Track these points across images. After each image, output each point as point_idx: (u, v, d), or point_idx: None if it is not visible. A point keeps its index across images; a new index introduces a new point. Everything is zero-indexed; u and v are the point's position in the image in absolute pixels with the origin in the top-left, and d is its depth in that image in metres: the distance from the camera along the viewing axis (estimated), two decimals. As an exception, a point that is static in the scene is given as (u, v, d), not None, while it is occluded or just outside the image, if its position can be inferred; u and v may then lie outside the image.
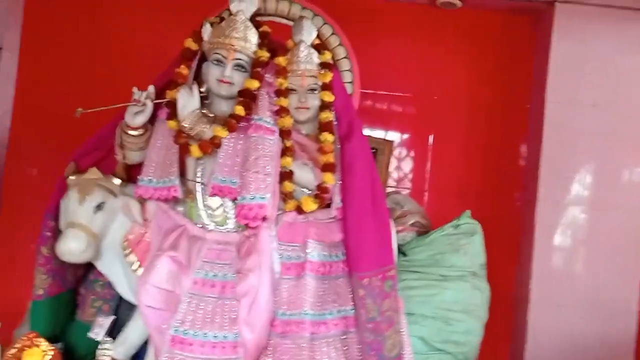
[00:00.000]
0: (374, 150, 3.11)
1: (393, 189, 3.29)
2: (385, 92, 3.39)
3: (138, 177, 2.36)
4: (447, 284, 2.84)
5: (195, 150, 2.29)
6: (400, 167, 3.38)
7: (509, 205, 3.31)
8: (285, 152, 2.34)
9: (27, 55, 3.40)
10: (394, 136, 3.39)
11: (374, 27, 3.36)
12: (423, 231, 3.03)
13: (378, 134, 3.37)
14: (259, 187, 2.22)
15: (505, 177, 3.33)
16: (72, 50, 3.42)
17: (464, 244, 2.94)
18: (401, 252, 2.89)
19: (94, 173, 2.44)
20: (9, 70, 3.35)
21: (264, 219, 2.22)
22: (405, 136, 3.40)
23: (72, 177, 2.43)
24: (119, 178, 2.45)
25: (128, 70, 3.21)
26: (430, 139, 3.38)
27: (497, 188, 3.33)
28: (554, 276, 3.04)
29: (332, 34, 2.57)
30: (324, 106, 2.40)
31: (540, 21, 3.26)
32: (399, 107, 3.42)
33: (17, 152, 3.37)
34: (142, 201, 2.40)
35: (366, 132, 3.21)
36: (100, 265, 2.42)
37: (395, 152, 3.35)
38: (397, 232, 2.87)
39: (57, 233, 2.42)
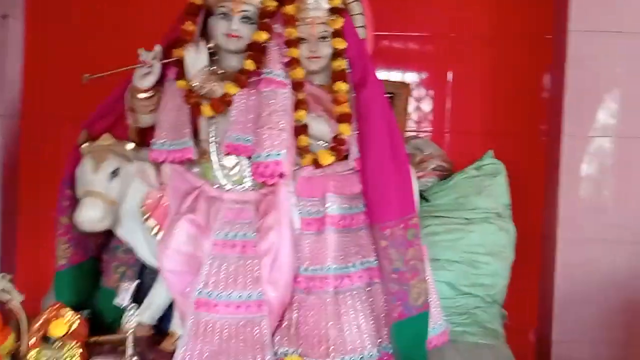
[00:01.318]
0: (390, 95, 3.01)
1: (412, 134, 3.20)
2: (399, 33, 3.26)
3: (151, 140, 2.32)
4: (471, 227, 2.82)
5: (206, 109, 2.23)
6: (419, 109, 3.28)
7: (533, 142, 3.21)
8: (298, 104, 2.27)
9: (33, 22, 3.32)
10: (411, 78, 3.28)
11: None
12: (445, 175, 2.99)
13: (394, 77, 3.26)
14: (274, 143, 2.17)
15: (529, 112, 3.21)
16: (78, 13, 3.33)
17: (487, 185, 2.91)
18: (423, 198, 2.85)
19: (106, 139, 2.39)
20: (16, 39, 3.28)
21: (281, 175, 2.18)
22: (423, 77, 3.28)
23: (85, 145, 2.39)
24: (132, 142, 2.41)
25: (136, 30, 3.10)
26: (449, 77, 3.27)
27: (521, 124, 3.22)
28: (582, 211, 2.96)
29: (342, -23, 2.46)
30: (336, 54, 2.32)
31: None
32: (414, 47, 3.28)
33: (30, 122, 3.34)
34: (157, 165, 2.36)
35: (382, 76, 3.15)
36: (120, 232, 2.40)
37: (413, 94, 3.24)
38: (418, 177, 2.85)
39: (74, 202, 2.39)
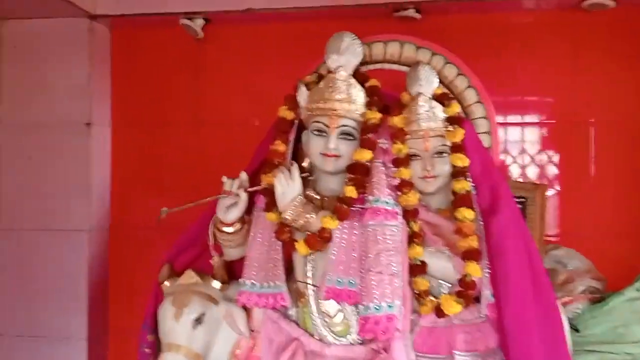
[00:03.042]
0: (522, 200, 2.52)
1: (551, 244, 2.68)
2: (526, 122, 2.79)
3: (239, 279, 1.97)
4: (636, 365, 2.24)
5: (301, 247, 1.86)
6: (559, 212, 2.76)
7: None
8: (413, 238, 1.86)
9: (118, 129, 3.16)
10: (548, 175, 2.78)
11: (506, 47, 2.77)
12: (597, 297, 2.43)
13: (526, 174, 2.77)
14: (385, 292, 1.75)
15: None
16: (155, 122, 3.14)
17: (653, 311, 2.32)
18: (572, 328, 2.31)
19: (189, 277, 2.08)
20: (103, 146, 3.11)
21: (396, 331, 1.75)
22: (563, 173, 2.77)
23: (166, 283, 2.09)
24: (218, 279, 2.07)
25: (224, 145, 2.86)
26: (592, 171, 2.74)
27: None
28: None
29: (459, 74, 2.05)
30: (457, 172, 1.89)
31: None
32: (546, 137, 2.80)
33: (119, 234, 3.13)
34: (247, 308, 2.00)
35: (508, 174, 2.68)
36: (208, 387, 2.05)
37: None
38: (564, 304, 2.32)
39: (157, 348, 2.09)
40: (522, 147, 2.81)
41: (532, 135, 2.81)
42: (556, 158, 2.79)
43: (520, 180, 2.73)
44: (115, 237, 3.13)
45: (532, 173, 2.79)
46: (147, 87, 3.11)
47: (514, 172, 2.80)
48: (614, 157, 2.74)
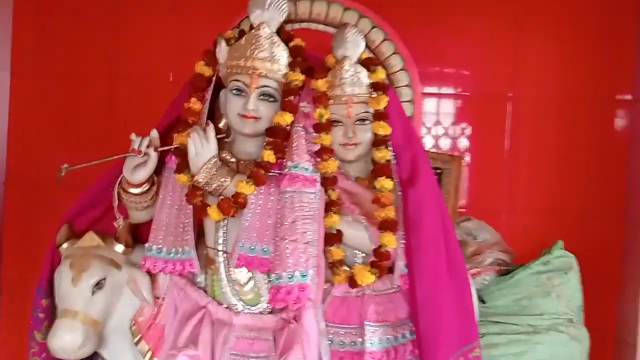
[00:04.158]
0: (438, 171, 2.52)
1: (463, 215, 2.70)
2: (450, 92, 2.77)
3: (146, 244, 1.86)
4: (538, 337, 2.34)
5: (214, 212, 1.76)
6: (471, 184, 2.78)
7: (608, 227, 2.70)
8: (330, 206, 1.80)
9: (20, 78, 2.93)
10: (462, 147, 2.78)
11: (435, 18, 2.72)
12: (504, 270, 2.48)
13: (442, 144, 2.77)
14: (299, 260, 1.70)
15: (605, 193, 2.70)
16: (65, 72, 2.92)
17: (557, 285, 2.43)
18: (479, 299, 2.35)
19: (90, 239, 1.95)
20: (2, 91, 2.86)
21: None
22: (477, 146, 2.78)
23: (64, 245, 1.95)
24: (122, 242, 1.95)
25: (129, 97, 2.70)
26: (507, 145, 2.77)
27: (594, 206, 2.71)
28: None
29: (385, 39, 1.99)
30: (379, 141, 1.84)
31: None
32: (465, 109, 2.80)
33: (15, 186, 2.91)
34: (152, 274, 1.90)
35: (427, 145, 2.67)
36: (107, 354, 1.96)
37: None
38: (473, 275, 2.36)
39: (52, 313, 1.97)
40: (437, 118, 2.80)
41: (448, 107, 2.78)
42: (470, 130, 2.80)
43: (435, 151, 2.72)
44: (11, 191, 2.92)
45: (446, 145, 2.79)
46: (56, 35, 2.90)
47: (428, 143, 2.80)
48: (529, 133, 2.77)
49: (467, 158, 2.77)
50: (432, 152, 2.60)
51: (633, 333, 2.51)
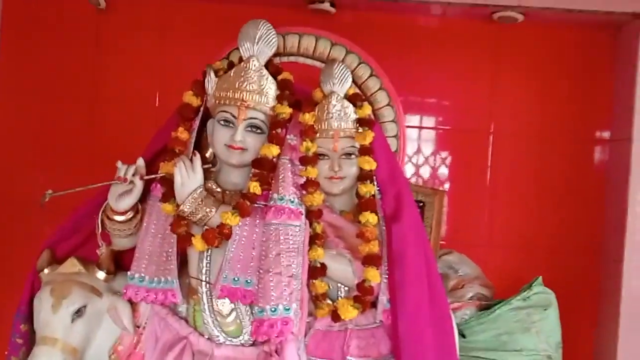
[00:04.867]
0: (420, 204, 2.54)
1: (444, 248, 2.72)
2: (434, 127, 2.81)
3: (128, 272, 1.85)
4: (516, 374, 2.31)
5: (198, 242, 1.76)
6: (451, 217, 2.81)
7: (585, 262, 2.73)
8: (314, 239, 1.81)
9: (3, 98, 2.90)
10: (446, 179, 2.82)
11: (421, 55, 2.79)
12: (485, 304, 2.49)
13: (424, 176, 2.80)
14: (282, 294, 1.70)
15: (582, 228, 2.74)
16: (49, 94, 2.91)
17: (537, 321, 2.43)
18: (460, 333, 2.35)
19: (72, 265, 1.93)
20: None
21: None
22: (457, 179, 2.82)
23: (45, 271, 1.93)
24: (104, 269, 1.93)
25: (114, 120, 2.71)
26: (487, 181, 2.81)
27: (572, 240, 2.76)
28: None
29: (372, 74, 2.02)
30: (364, 176, 1.86)
31: (622, 37, 2.67)
32: (448, 144, 2.84)
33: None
34: (133, 302, 1.88)
35: (411, 179, 2.70)
36: (84, 384, 1.92)
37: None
38: (453, 310, 2.36)
39: (30, 339, 1.94)
40: (419, 150, 2.84)
41: (429, 140, 2.84)
42: (454, 164, 2.84)
43: (419, 184, 2.75)
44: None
45: (428, 177, 2.83)
46: (40, 57, 2.88)
47: (409, 173, 2.83)
48: (508, 167, 2.82)
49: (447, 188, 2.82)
50: (414, 185, 2.63)
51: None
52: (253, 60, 1.82)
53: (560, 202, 2.77)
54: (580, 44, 2.77)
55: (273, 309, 1.68)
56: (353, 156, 1.86)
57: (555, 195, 2.77)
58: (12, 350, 1.98)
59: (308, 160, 1.83)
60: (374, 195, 1.85)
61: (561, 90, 2.79)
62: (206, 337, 1.84)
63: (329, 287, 1.82)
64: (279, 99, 1.83)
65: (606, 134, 2.78)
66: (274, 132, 1.81)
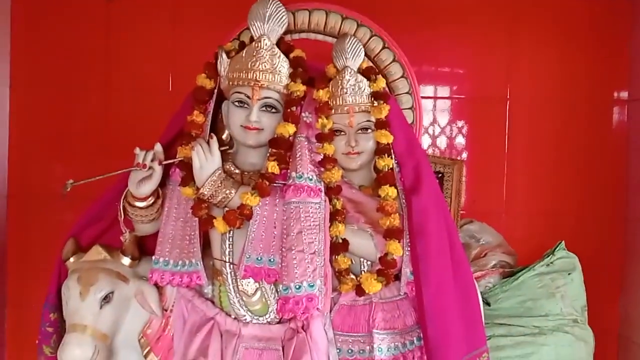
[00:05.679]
0: (439, 175, 2.53)
1: (464, 218, 2.71)
2: (449, 97, 2.79)
3: (152, 257, 1.87)
4: (543, 339, 2.35)
5: (220, 224, 1.77)
6: (470, 186, 2.79)
7: (609, 226, 2.71)
8: (335, 215, 1.81)
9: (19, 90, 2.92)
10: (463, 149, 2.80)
11: (433, 24, 2.75)
12: (508, 272, 2.49)
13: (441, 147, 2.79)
14: (306, 271, 1.70)
15: (605, 191, 2.72)
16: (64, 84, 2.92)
17: (561, 286, 2.44)
18: (484, 302, 2.35)
19: (97, 253, 1.95)
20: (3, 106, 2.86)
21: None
22: (475, 148, 2.80)
23: (71, 260, 1.95)
24: (129, 255, 1.95)
25: (128, 107, 2.72)
26: (505, 147, 2.78)
27: (594, 205, 2.73)
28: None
29: (384, 47, 2.00)
30: (381, 150, 1.85)
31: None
32: (464, 113, 2.81)
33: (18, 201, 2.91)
34: (159, 286, 1.91)
35: (428, 150, 2.69)
36: (116, 368, 1.95)
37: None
38: (477, 278, 2.36)
39: (60, 327, 1.97)
40: (435, 120, 2.82)
41: (445, 110, 2.82)
42: (471, 133, 2.81)
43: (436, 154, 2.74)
44: (14, 205, 2.91)
45: (445, 147, 2.81)
46: (52, 47, 2.89)
47: (425, 144, 2.81)
48: (526, 134, 2.80)
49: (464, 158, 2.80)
50: (432, 157, 2.61)
51: (638, 331, 2.53)
52: (264, 39, 1.81)
53: (580, 165, 2.74)
54: (597, 5, 2.73)
55: (297, 287, 1.69)
56: (369, 130, 1.86)
57: (575, 159, 2.74)
58: (43, 339, 2.00)
59: (324, 137, 1.83)
60: (392, 169, 1.84)
61: (578, 52, 2.76)
62: (233, 317, 1.86)
63: (351, 262, 1.83)
64: (292, 76, 1.82)
65: (624, 94, 2.74)
66: (288, 110, 1.81)
